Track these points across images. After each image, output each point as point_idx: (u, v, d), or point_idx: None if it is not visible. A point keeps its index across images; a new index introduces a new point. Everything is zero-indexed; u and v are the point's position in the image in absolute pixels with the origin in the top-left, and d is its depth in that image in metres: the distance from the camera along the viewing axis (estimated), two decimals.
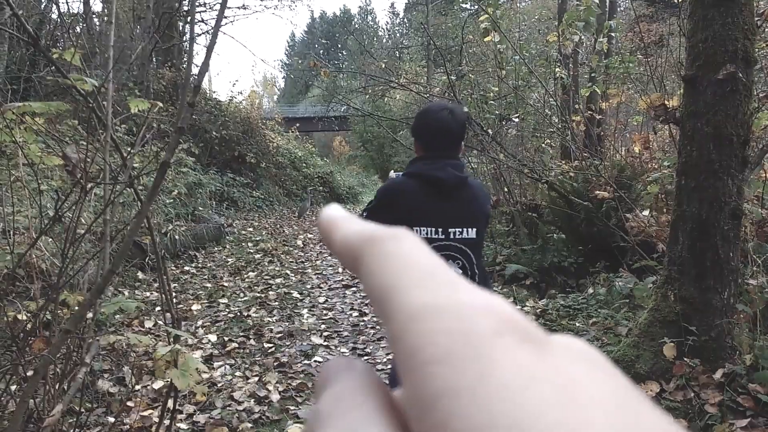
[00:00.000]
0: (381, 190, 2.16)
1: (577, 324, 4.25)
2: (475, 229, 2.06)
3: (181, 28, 14.94)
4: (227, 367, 3.94)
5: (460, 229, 2.03)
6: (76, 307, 1.89)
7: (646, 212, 4.56)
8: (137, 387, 3.37)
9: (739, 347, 2.78)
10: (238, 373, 3.82)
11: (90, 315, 1.76)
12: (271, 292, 6.19)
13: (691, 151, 2.87)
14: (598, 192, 5.03)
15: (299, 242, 10.18)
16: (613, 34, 7.84)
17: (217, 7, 14.25)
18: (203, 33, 15.25)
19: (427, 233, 2.01)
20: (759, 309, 3.23)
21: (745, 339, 2.81)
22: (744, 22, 2.78)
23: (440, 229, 2.01)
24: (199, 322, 4.95)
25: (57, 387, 2.00)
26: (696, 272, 2.80)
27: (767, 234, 3.97)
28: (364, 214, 2.15)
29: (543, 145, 8.54)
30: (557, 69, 7.27)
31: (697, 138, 2.84)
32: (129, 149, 1.98)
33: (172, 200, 8.51)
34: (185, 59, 14.80)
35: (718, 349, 2.76)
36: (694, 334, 2.73)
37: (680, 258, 2.87)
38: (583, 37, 6.69)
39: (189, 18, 13.64)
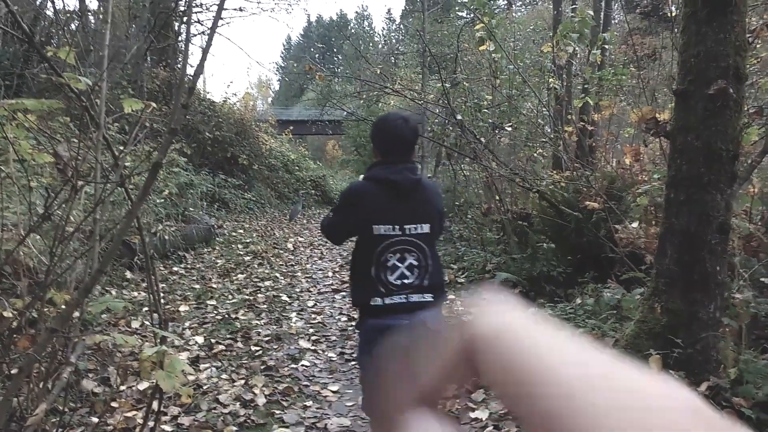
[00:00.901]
0: (344, 192, 2.41)
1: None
2: (428, 225, 2.28)
3: (176, 28, 14.91)
4: (213, 369, 3.92)
5: (415, 226, 2.25)
6: (63, 306, 1.88)
7: (635, 224, 4.59)
8: (122, 388, 3.35)
9: (724, 361, 2.80)
10: (224, 376, 3.80)
11: (77, 314, 1.75)
12: (260, 295, 6.17)
13: (680, 165, 2.90)
14: (588, 203, 5.05)
15: (290, 245, 10.16)
16: (606, 47, 7.90)
17: (214, 8, 14.25)
18: (199, 34, 15.22)
19: (385, 230, 2.22)
20: (744, 323, 3.26)
21: (730, 353, 2.83)
22: (736, 38, 2.82)
23: (397, 226, 2.23)
24: (187, 324, 4.93)
25: (41, 386, 1.99)
26: (683, 285, 2.82)
27: (754, 249, 4.01)
28: (331, 214, 2.45)
29: (535, 154, 8.58)
30: (551, 79, 7.31)
31: (687, 152, 2.87)
32: (121, 148, 1.98)
33: (162, 200, 8.47)
34: (180, 59, 14.76)
35: (704, 362, 2.78)
36: (680, 347, 2.74)
37: (668, 270, 2.89)
38: (577, 49, 6.74)
39: (185, 18, 13.61)
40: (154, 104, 1.64)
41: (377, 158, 2.35)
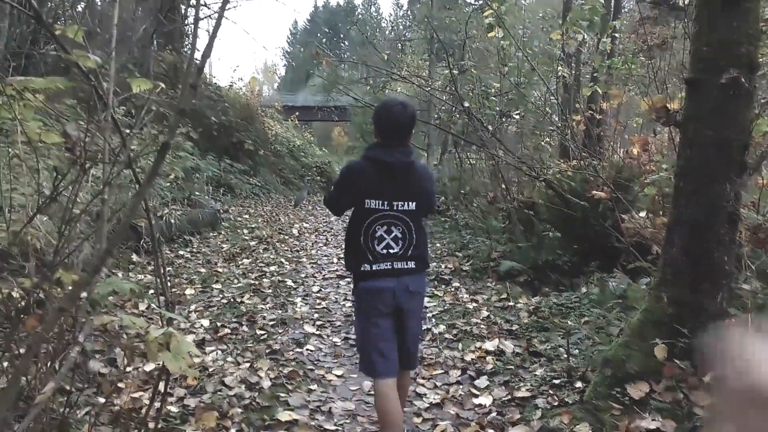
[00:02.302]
0: (344, 170, 2.69)
1: (569, 322, 4.27)
2: (415, 203, 2.57)
3: (183, 11, 14.84)
4: (219, 352, 3.94)
5: (402, 203, 2.55)
6: (71, 286, 1.88)
7: (642, 214, 4.57)
8: (128, 369, 3.38)
9: None
10: (229, 359, 3.82)
11: (84, 294, 1.76)
12: (265, 280, 6.20)
13: (690, 155, 2.87)
14: (595, 192, 5.02)
15: (295, 231, 10.18)
16: (616, 35, 7.84)
17: None
18: (206, 17, 15.14)
19: (375, 204, 2.53)
20: (752, 314, 3.25)
21: None
22: (749, 27, 2.78)
23: (386, 202, 2.53)
24: (192, 307, 4.96)
25: (49, 365, 2.00)
26: (690, 275, 2.81)
27: (762, 240, 3.98)
28: (332, 188, 2.74)
29: (542, 143, 8.54)
30: (560, 67, 7.26)
31: (698, 142, 2.84)
32: (129, 130, 1.97)
33: (168, 184, 8.48)
34: (186, 43, 14.71)
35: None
36: (686, 337, 2.74)
37: (675, 260, 2.87)
38: (586, 37, 6.67)
39: (193, 1, 13.53)
40: (162, 85, 1.63)
41: (377, 139, 2.62)
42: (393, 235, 2.55)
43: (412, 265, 2.58)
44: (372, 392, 3.14)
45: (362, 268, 2.56)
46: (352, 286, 2.72)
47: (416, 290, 2.63)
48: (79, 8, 11.34)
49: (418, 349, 2.92)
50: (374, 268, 2.55)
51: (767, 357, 0.22)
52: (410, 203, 2.56)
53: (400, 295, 2.55)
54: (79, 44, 1.62)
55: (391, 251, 2.55)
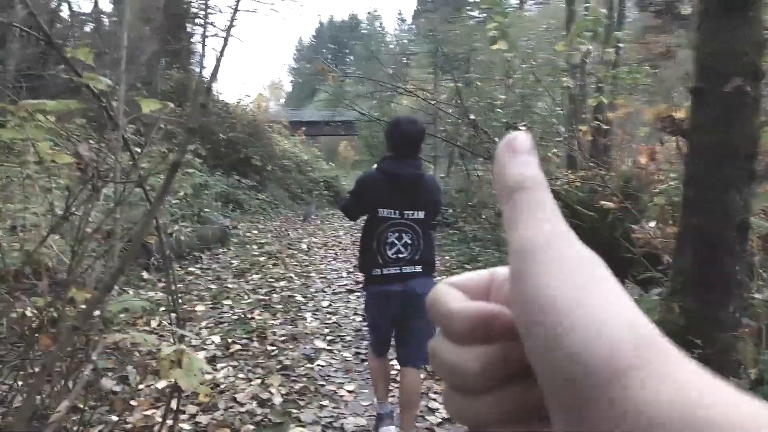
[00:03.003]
0: (359, 180, 2.96)
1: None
2: (423, 212, 2.80)
3: (189, 30, 15.03)
4: (230, 368, 3.94)
5: (412, 212, 2.78)
6: (83, 305, 1.90)
7: (652, 224, 4.55)
8: (141, 386, 3.38)
9: (744, 361, 2.77)
10: (241, 375, 3.82)
11: (97, 312, 1.77)
12: (275, 295, 6.20)
13: (698, 164, 2.87)
14: (603, 202, 5.02)
15: (304, 246, 10.19)
16: (620, 45, 7.85)
17: (226, 9, 14.33)
18: (212, 35, 15.33)
19: (387, 213, 2.77)
20: (765, 323, 3.22)
21: (750, 353, 2.80)
22: (753, 35, 2.79)
23: (397, 211, 2.77)
24: (203, 323, 4.96)
25: (63, 384, 2.01)
26: (702, 285, 2.80)
27: None
28: (349, 195, 3.03)
29: (549, 154, 8.53)
30: (564, 78, 7.28)
31: (705, 151, 2.84)
32: (138, 149, 2.00)
33: (178, 201, 8.54)
34: (193, 61, 14.88)
35: (723, 362, 2.75)
36: (699, 348, 2.72)
37: (686, 270, 2.86)
38: (590, 47, 6.69)
39: (202, 20, 13.70)
40: (171, 104, 1.66)
41: (389, 152, 2.85)
42: (403, 241, 2.78)
43: (419, 269, 2.81)
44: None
45: (373, 272, 2.80)
46: (363, 284, 2.98)
47: (423, 293, 2.71)
48: (88, 29, 11.51)
49: (426, 347, 2.94)
50: (384, 272, 2.78)
51: (450, 291, 0.26)
52: (419, 212, 2.79)
53: (408, 298, 2.77)
54: (89, 66, 1.66)
55: (401, 256, 2.78)
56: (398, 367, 3.05)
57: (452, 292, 0.29)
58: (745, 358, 2.77)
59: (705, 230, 2.81)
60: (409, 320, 2.84)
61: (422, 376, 3.22)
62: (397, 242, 2.78)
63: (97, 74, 1.79)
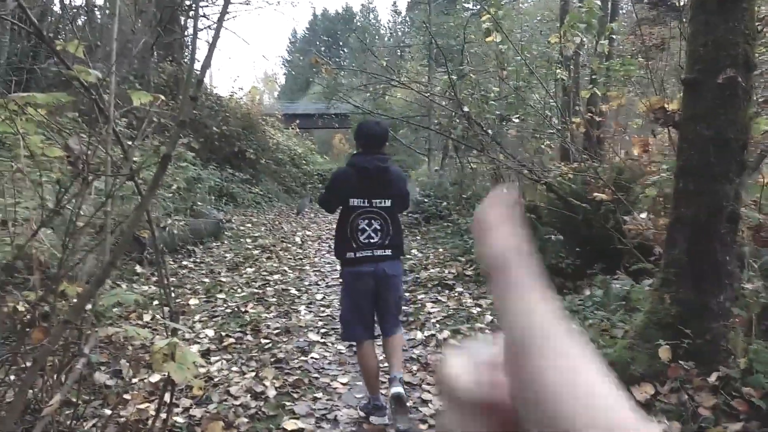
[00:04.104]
0: (332, 175, 3.37)
1: (574, 325, 4.25)
2: (390, 200, 3.16)
3: (182, 22, 14.92)
4: (224, 362, 3.95)
5: (379, 200, 3.13)
6: (75, 299, 1.89)
7: (644, 215, 4.57)
8: (134, 380, 3.38)
9: (734, 351, 2.79)
10: (234, 368, 3.83)
11: (89, 306, 1.77)
12: (268, 289, 6.20)
13: (690, 155, 2.88)
14: (596, 194, 5.03)
15: (297, 239, 10.19)
16: (614, 37, 7.85)
17: (220, 1, 14.24)
18: (205, 28, 15.22)
19: (358, 202, 3.11)
20: (755, 313, 3.24)
21: (740, 343, 2.82)
22: (745, 27, 2.79)
23: (366, 200, 3.12)
24: (197, 317, 4.96)
25: (55, 378, 2.01)
26: (693, 275, 2.81)
27: (764, 239, 3.98)
28: (324, 190, 3.37)
29: (542, 146, 8.54)
30: (558, 70, 7.27)
31: (697, 142, 2.85)
32: (130, 142, 1.99)
33: (171, 194, 8.50)
34: (186, 54, 14.78)
35: (713, 352, 2.77)
36: (690, 337, 2.73)
37: (677, 261, 2.88)
38: (584, 39, 6.69)
39: (192, 12, 13.61)
40: (162, 97, 1.65)
41: (358, 150, 3.26)
42: (373, 227, 3.13)
43: (388, 252, 3.16)
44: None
45: (347, 256, 3.14)
46: (340, 269, 3.32)
47: (392, 273, 3.18)
48: (79, 22, 11.41)
49: (398, 317, 3.39)
50: (357, 255, 3.11)
51: (457, 364, 0.27)
52: (386, 201, 3.16)
53: (379, 277, 3.12)
54: (80, 59, 1.64)
55: (371, 241, 3.12)
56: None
57: (460, 367, 0.31)
58: (735, 347, 2.79)
59: (696, 221, 2.82)
60: (381, 299, 3.18)
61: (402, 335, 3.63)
62: (367, 228, 3.12)
63: (89, 67, 1.78)
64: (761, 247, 3.97)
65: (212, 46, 1.38)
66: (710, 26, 2.82)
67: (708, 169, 2.81)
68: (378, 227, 3.13)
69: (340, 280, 3.36)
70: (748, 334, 3.11)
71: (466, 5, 20.61)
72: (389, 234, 3.15)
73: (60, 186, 1.84)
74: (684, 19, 4.77)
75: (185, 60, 14.42)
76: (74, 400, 2.64)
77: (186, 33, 14.96)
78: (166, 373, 1.97)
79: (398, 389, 3.03)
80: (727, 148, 2.77)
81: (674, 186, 3.02)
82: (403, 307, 5.43)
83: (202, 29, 15.19)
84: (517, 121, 7.96)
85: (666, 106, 3.57)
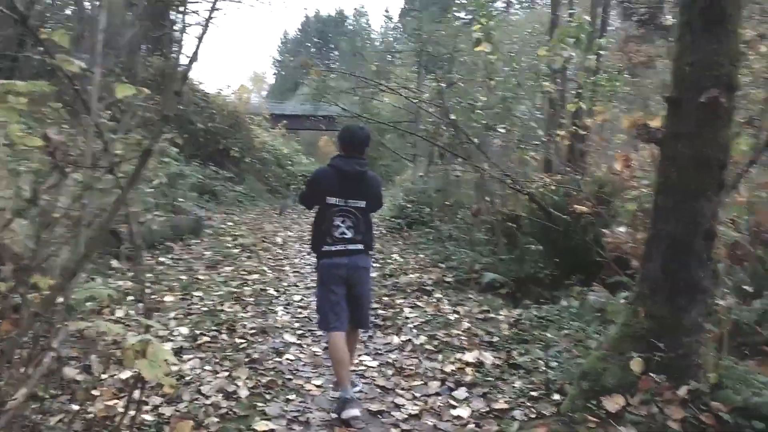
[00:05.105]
0: (313, 174, 3.62)
1: (549, 335, 4.29)
2: (364, 201, 3.42)
3: (172, 17, 14.81)
4: (197, 360, 3.91)
5: (354, 200, 3.40)
6: (47, 292, 1.86)
7: (622, 228, 4.61)
8: (104, 376, 3.33)
9: (705, 366, 2.82)
10: (207, 368, 3.79)
11: (60, 300, 1.74)
12: (246, 288, 6.16)
13: (670, 172, 2.91)
14: (577, 206, 5.08)
15: (279, 239, 10.13)
16: (602, 52, 7.94)
17: None
18: (195, 24, 15.14)
19: (335, 201, 3.37)
20: (726, 329, 3.29)
21: (711, 358, 2.86)
22: (730, 48, 2.84)
23: (342, 199, 3.38)
24: (172, 314, 4.91)
25: (22, 371, 1.97)
26: (667, 290, 2.84)
27: (739, 257, 4.04)
28: (305, 187, 3.62)
29: (527, 157, 8.60)
30: (545, 83, 7.34)
31: (677, 159, 2.89)
32: (112, 136, 1.96)
33: (152, 190, 8.42)
34: (175, 49, 14.67)
35: (685, 366, 2.80)
36: (662, 351, 2.76)
37: (653, 275, 2.91)
38: (572, 54, 6.75)
39: (181, 8, 13.52)
40: (146, 90, 1.63)
41: (339, 152, 3.49)
42: (347, 224, 3.38)
43: (360, 246, 3.43)
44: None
45: (323, 249, 3.40)
46: (316, 262, 3.53)
47: (363, 266, 3.48)
48: (68, 12, 11.29)
49: (367, 312, 3.65)
50: (332, 248, 3.38)
51: None
52: (360, 201, 3.42)
53: (351, 269, 3.39)
54: (65, 49, 1.62)
55: (345, 236, 3.38)
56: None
57: None
58: (706, 362, 2.82)
59: (673, 237, 2.86)
60: (352, 289, 3.43)
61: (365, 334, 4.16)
62: (341, 225, 3.38)
63: (73, 57, 1.76)
64: (736, 264, 4.03)
65: (199, 42, 1.37)
66: (696, 46, 2.86)
67: (687, 187, 2.85)
68: (351, 224, 3.39)
69: (316, 272, 3.56)
70: (719, 350, 3.16)
71: (458, 14, 20.74)
72: (361, 231, 3.42)
73: (36, 176, 1.81)
74: (670, 39, 4.84)
75: (174, 54, 14.32)
76: (41, 394, 2.60)
77: (175, 28, 14.86)
78: (137, 370, 1.94)
79: (354, 412, 3.15)
80: (707, 166, 2.81)
81: (653, 202, 3.06)
82: (381, 311, 5.44)
83: (191, 25, 15.11)
84: (502, 131, 8.00)
85: (649, 123, 3.61)
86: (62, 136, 1.73)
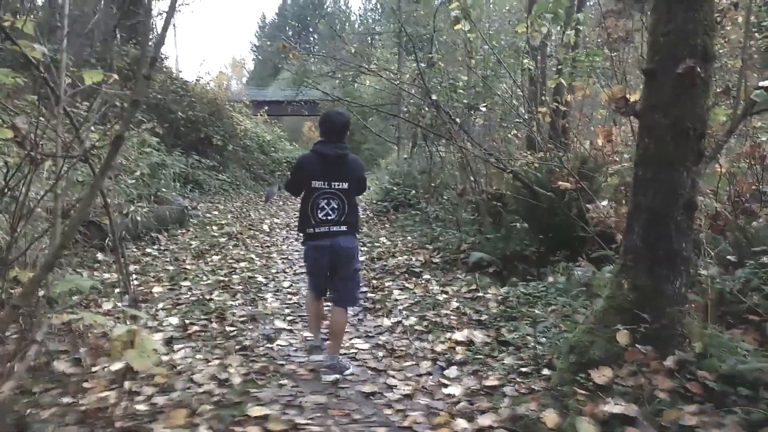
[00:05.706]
0: (297, 160, 3.79)
1: (536, 311, 4.33)
2: (347, 183, 3.57)
3: (146, 3, 14.56)
4: (188, 349, 3.89)
5: (338, 183, 3.55)
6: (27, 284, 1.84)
7: (605, 203, 4.65)
8: (94, 368, 3.31)
9: (689, 335, 2.86)
10: (199, 356, 3.78)
11: (41, 292, 1.72)
12: (235, 276, 6.14)
13: (648, 143, 2.93)
14: (560, 183, 5.10)
15: (265, 227, 10.10)
16: (580, 28, 7.91)
17: None
18: (167, 11, 14.89)
19: (319, 184, 3.53)
20: (710, 299, 3.34)
21: (696, 328, 2.90)
22: (705, 17, 2.84)
23: (325, 182, 3.54)
24: (161, 305, 4.88)
25: (7, 365, 1.96)
26: (649, 261, 2.87)
27: (721, 227, 4.09)
28: (290, 175, 3.83)
29: (509, 135, 8.60)
30: (525, 60, 7.32)
31: (655, 130, 2.90)
32: (87, 124, 1.93)
33: (134, 181, 8.33)
34: (151, 37, 14.44)
35: (670, 336, 2.84)
36: (647, 322, 2.80)
37: (635, 247, 2.93)
38: (551, 30, 6.73)
39: None
40: (115, 76, 1.60)
41: (321, 137, 3.62)
42: (331, 206, 3.55)
43: (344, 228, 3.59)
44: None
45: (308, 230, 3.59)
46: (302, 242, 3.74)
47: (347, 246, 3.60)
48: (39, 2, 11.04)
49: (353, 291, 3.76)
50: (317, 230, 3.56)
51: None
52: (344, 183, 3.56)
53: (335, 250, 3.56)
54: (30, 35, 1.58)
55: (329, 218, 3.55)
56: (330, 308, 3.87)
57: None
58: (691, 332, 2.86)
59: (652, 208, 2.88)
60: (337, 269, 3.62)
61: (349, 313, 4.12)
62: (326, 207, 3.54)
63: (45, 47, 1.71)
64: (718, 234, 4.08)
65: (167, 22, 1.34)
66: (671, 16, 2.86)
67: (666, 158, 2.86)
68: (335, 206, 3.55)
69: (303, 251, 3.77)
70: (704, 319, 3.21)
71: None
72: (345, 212, 3.57)
73: (8, 166, 1.78)
74: (647, 11, 4.84)
75: (150, 43, 14.09)
76: (32, 388, 2.58)
77: (150, 16, 14.61)
78: (126, 361, 1.93)
79: (334, 377, 3.52)
80: (685, 136, 2.82)
81: (633, 174, 3.07)
82: (370, 294, 5.46)
83: (164, 12, 14.83)
84: (484, 110, 7.99)
85: (628, 96, 3.62)
86: (31, 125, 1.70)
